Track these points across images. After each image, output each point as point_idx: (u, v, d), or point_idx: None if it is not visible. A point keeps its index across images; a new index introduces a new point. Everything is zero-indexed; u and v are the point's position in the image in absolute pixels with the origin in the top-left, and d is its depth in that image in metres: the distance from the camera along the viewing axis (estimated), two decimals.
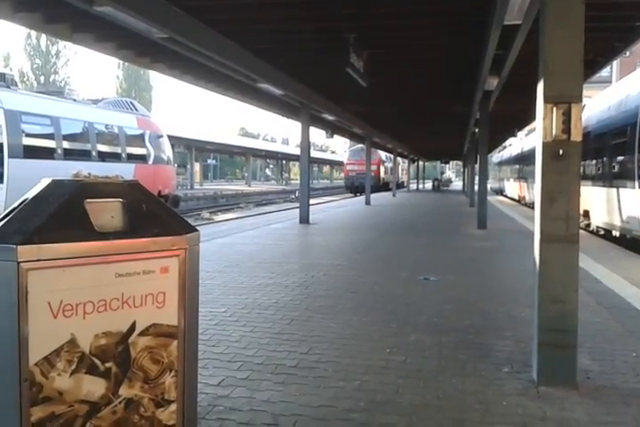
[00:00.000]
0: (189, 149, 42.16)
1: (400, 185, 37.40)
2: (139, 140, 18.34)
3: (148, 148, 18.59)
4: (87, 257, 2.13)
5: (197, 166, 49.99)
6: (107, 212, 2.27)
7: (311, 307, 5.06)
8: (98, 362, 2.16)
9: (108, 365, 2.19)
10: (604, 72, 25.19)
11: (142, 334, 2.28)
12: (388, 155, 37.37)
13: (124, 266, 2.23)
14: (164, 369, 2.37)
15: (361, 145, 30.96)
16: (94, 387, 2.16)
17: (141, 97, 51.92)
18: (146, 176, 17.77)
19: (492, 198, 29.17)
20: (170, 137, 21.49)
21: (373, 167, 33.07)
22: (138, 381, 2.27)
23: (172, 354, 2.39)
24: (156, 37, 7.23)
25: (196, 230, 2.52)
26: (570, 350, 3.28)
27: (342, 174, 51.45)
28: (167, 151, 20.01)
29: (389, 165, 38.95)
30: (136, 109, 19.21)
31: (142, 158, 18.24)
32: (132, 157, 17.57)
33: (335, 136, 23.78)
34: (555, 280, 3.30)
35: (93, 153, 15.76)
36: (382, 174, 36.78)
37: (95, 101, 18.28)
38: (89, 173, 2.37)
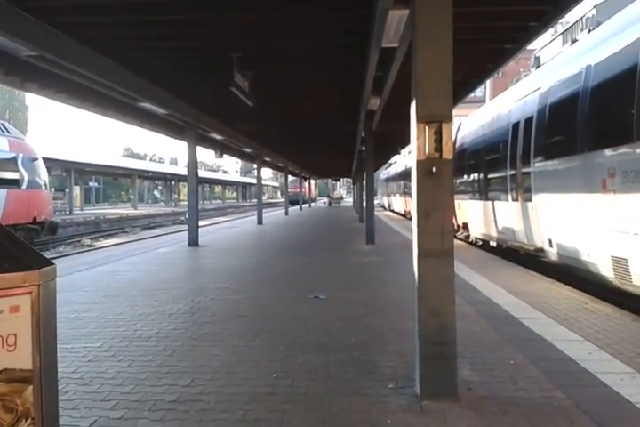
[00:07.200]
0: (68, 171, 39.91)
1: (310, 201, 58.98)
2: (11, 164, 17.09)
3: (22, 172, 17.36)
4: None
5: (77, 190, 47.51)
6: None
7: (196, 335, 4.85)
8: None
9: None
10: (479, 92, 26.97)
11: None
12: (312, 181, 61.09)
13: None
14: (18, 418, 2.14)
15: (295, 178, 48.17)
16: None
17: (16, 118, 49.09)
18: (19, 202, 16.66)
19: (380, 214, 30.12)
20: (46, 160, 20.27)
21: (304, 190, 53.96)
22: None
23: (28, 401, 2.16)
24: (25, 56, 6.79)
25: (52, 264, 2.30)
26: (450, 363, 3.35)
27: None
28: (42, 175, 18.78)
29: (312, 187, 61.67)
30: (8, 131, 17.91)
31: (15, 183, 17.00)
32: (3, 183, 16.33)
33: (225, 156, 23.56)
34: (432, 294, 3.37)
35: None
36: (308, 193, 58.34)
37: None
38: None
